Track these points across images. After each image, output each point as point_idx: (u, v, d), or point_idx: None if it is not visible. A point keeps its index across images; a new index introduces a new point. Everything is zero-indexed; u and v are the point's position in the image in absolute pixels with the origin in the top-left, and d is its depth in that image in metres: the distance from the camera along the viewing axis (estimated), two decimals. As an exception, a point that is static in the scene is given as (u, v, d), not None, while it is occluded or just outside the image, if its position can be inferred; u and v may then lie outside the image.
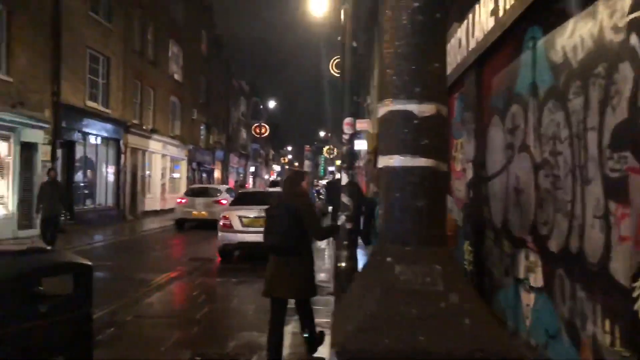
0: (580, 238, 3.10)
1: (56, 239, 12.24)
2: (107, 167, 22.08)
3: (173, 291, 9.08)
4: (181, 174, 32.80)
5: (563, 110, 3.35)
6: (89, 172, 20.79)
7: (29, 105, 15.80)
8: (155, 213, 26.00)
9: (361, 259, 8.02)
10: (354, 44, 7.34)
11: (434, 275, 1.63)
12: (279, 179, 60.58)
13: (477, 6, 5.06)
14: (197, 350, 5.65)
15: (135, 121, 24.39)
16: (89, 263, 3.75)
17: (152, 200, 27.01)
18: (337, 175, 37.00)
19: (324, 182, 45.17)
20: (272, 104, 61.05)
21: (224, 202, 18.53)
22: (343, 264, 6.48)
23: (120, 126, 22.44)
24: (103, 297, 6.95)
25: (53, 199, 12.15)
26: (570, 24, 3.24)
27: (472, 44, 5.28)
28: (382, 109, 1.87)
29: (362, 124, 17.24)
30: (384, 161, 1.87)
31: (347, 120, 7.21)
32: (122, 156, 22.98)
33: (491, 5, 4.55)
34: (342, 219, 6.19)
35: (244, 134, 57.34)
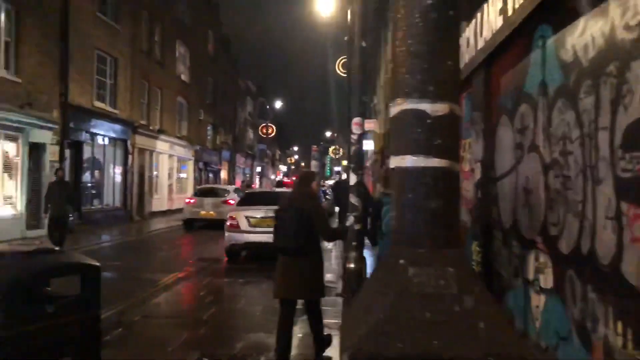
0: (591, 239, 3.06)
1: (65, 240, 12.29)
2: (114, 167, 22.16)
3: (180, 291, 9.09)
4: (188, 174, 32.88)
5: (573, 109, 3.31)
6: (96, 172, 20.88)
7: (37, 106, 15.88)
8: (163, 213, 26.07)
9: (368, 260, 7.99)
10: (363, 44, 7.30)
11: (448, 277, 1.60)
12: (285, 179, 60.64)
13: (485, 5, 5.02)
14: (204, 351, 5.65)
15: (143, 121, 24.47)
16: (97, 264, 3.76)
17: (160, 201, 27.09)
18: (344, 176, 37.01)
19: (330, 182, 45.16)
20: (278, 104, 61.16)
21: (231, 202, 18.58)
22: (352, 265, 6.45)
23: (128, 126, 22.52)
24: (111, 297, 6.97)
25: (61, 199, 12.19)
26: (581, 23, 3.21)
27: (481, 44, 5.24)
28: (394, 109, 1.84)
29: (369, 124, 17.19)
30: (396, 161, 1.83)
31: (356, 120, 7.17)
32: (130, 156, 23.05)
33: (500, 5, 4.52)
34: (350, 220, 6.17)
35: (250, 134, 57.42)
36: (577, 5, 3.26)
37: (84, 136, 19.30)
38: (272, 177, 73.70)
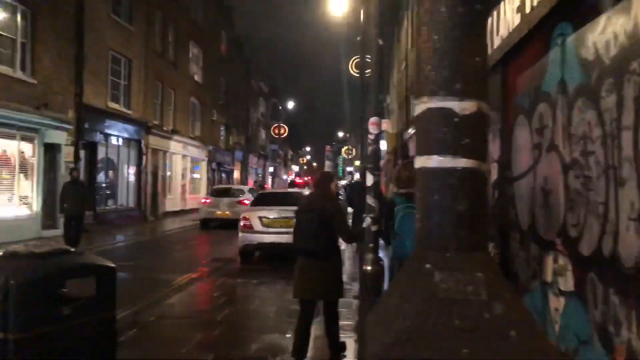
0: (614, 241, 2.99)
1: (80, 240, 12.38)
2: (128, 167, 22.31)
3: (194, 292, 9.11)
4: (201, 174, 33.02)
5: (595, 108, 3.24)
6: (110, 172, 21.04)
7: (53, 107, 16.03)
8: (176, 213, 26.20)
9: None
10: (381, 42, 7.24)
11: (477, 283, 1.53)
12: (297, 179, 60.71)
13: (502, 3, 4.96)
14: (219, 353, 5.65)
15: (156, 122, 24.61)
16: (113, 265, 3.75)
17: (173, 201, 27.24)
18: (356, 176, 36.89)
19: (342, 182, 45.03)
20: (290, 104, 61.26)
21: (246, 202, 18.69)
22: (369, 267, 6.40)
23: (142, 127, 22.66)
24: (125, 298, 6.98)
25: (75, 199, 12.29)
26: (602, 20, 3.14)
27: (497, 42, 5.18)
28: (420, 107, 1.77)
29: (382, 124, 17.12)
30: (421, 162, 1.76)
31: (373, 119, 7.10)
32: (143, 157, 23.19)
33: (517, 2, 4.45)
34: (367, 221, 6.12)
35: (262, 134, 57.56)
36: (598, 2, 3.20)
37: (99, 137, 19.46)
38: (285, 177, 73.82)
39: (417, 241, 1.79)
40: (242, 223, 11.77)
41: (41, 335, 3.13)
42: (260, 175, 55.63)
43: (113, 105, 20.38)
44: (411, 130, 21.44)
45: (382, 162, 26.56)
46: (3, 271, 3.15)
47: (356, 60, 19.32)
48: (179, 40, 27.52)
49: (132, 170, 22.61)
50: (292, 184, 42.71)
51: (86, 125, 18.01)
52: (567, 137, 3.71)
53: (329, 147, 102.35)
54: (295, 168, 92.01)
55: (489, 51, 5.48)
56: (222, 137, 38.09)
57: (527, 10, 4.20)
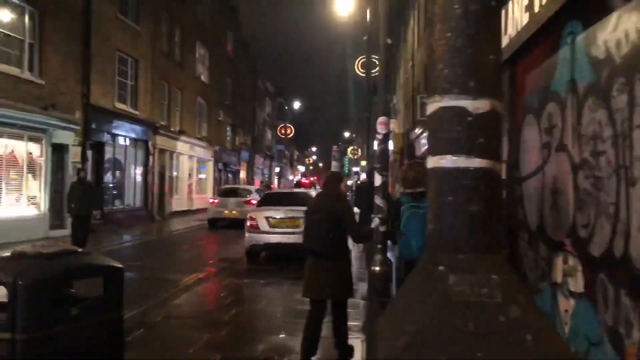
0: (625, 242, 2.96)
1: (87, 240, 12.42)
2: (135, 168, 22.38)
3: (201, 292, 9.11)
4: (208, 174, 33.08)
5: (605, 108, 3.21)
6: (117, 173, 21.11)
7: (60, 107, 16.09)
8: (183, 213, 26.26)
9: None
10: (389, 41, 7.22)
11: (492, 285, 1.50)
12: (303, 179, 60.69)
13: (510, 2, 4.93)
14: (226, 353, 5.64)
15: (163, 122, 24.67)
16: (120, 265, 3.75)
17: (180, 201, 27.31)
18: (362, 176, 36.81)
19: (349, 182, 44.99)
20: (296, 104, 61.23)
21: (253, 202, 18.74)
22: (377, 268, 6.39)
23: (149, 127, 22.72)
24: (132, 298, 6.99)
25: (83, 199, 12.33)
26: (613, 18, 3.11)
27: (505, 41, 5.14)
28: (432, 106, 1.74)
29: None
30: (433, 162, 1.73)
31: (381, 119, 7.07)
32: (150, 157, 23.26)
33: (526, 1, 4.42)
34: (376, 222, 6.11)
35: (269, 134, 57.60)
36: (608, 0, 3.16)
37: (106, 137, 19.53)
38: (291, 177, 73.83)
39: (430, 243, 1.76)
40: (248, 223, 11.75)
41: (49, 336, 3.13)
42: (266, 176, 55.68)
43: (120, 105, 20.44)
44: (417, 130, 21.40)
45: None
46: (11, 272, 3.15)
47: (362, 60, 19.28)
48: (185, 41, 27.57)
49: (139, 170, 22.67)
50: (298, 184, 42.73)
51: (93, 126, 18.08)
52: (577, 137, 3.67)
53: (335, 147, 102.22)
54: (302, 168, 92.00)
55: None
56: (228, 138, 38.14)
57: (536, 8, 4.17)
